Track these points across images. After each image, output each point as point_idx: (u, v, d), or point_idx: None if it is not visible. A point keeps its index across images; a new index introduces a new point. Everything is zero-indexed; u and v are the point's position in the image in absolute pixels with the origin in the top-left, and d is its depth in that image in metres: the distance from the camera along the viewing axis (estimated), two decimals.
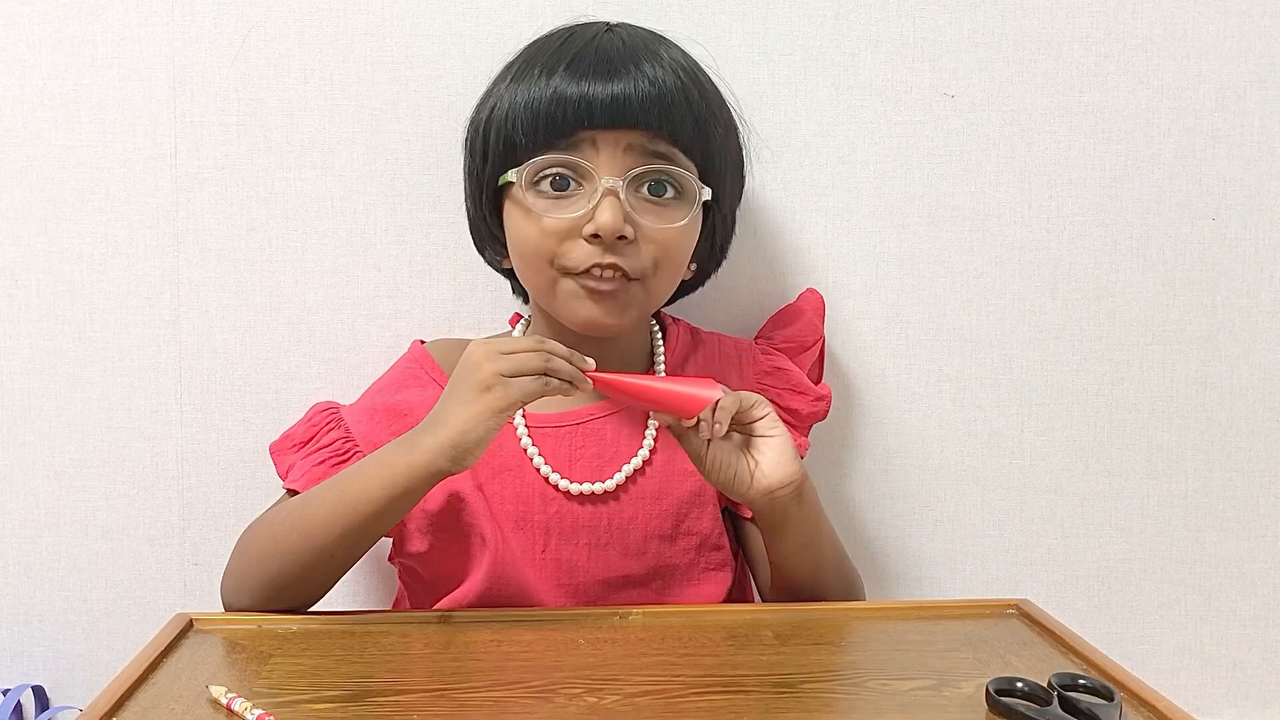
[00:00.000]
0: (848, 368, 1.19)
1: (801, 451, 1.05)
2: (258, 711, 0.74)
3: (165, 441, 1.17)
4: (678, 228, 0.96)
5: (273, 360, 1.17)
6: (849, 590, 1.02)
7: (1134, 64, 1.18)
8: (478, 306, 1.16)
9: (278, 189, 1.15)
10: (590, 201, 0.93)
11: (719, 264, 1.08)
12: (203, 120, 1.15)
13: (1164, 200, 1.19)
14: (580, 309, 0.96)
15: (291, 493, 1.01)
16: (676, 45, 1.01)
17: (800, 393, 1.07)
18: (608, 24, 1.01)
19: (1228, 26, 1.18)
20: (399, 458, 0.89)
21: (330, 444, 1.02)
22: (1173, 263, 1.20)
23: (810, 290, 1.13)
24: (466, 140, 1.03)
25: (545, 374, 0.87)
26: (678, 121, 0.95)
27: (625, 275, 0.95)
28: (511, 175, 0.96)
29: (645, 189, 0.95)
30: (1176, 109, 1.18)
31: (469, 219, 1.06)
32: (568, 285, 0.96)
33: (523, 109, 0.95)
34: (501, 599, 0.99)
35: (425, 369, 1.05)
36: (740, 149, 1.04)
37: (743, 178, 1.06)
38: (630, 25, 1.02)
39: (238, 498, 1.17)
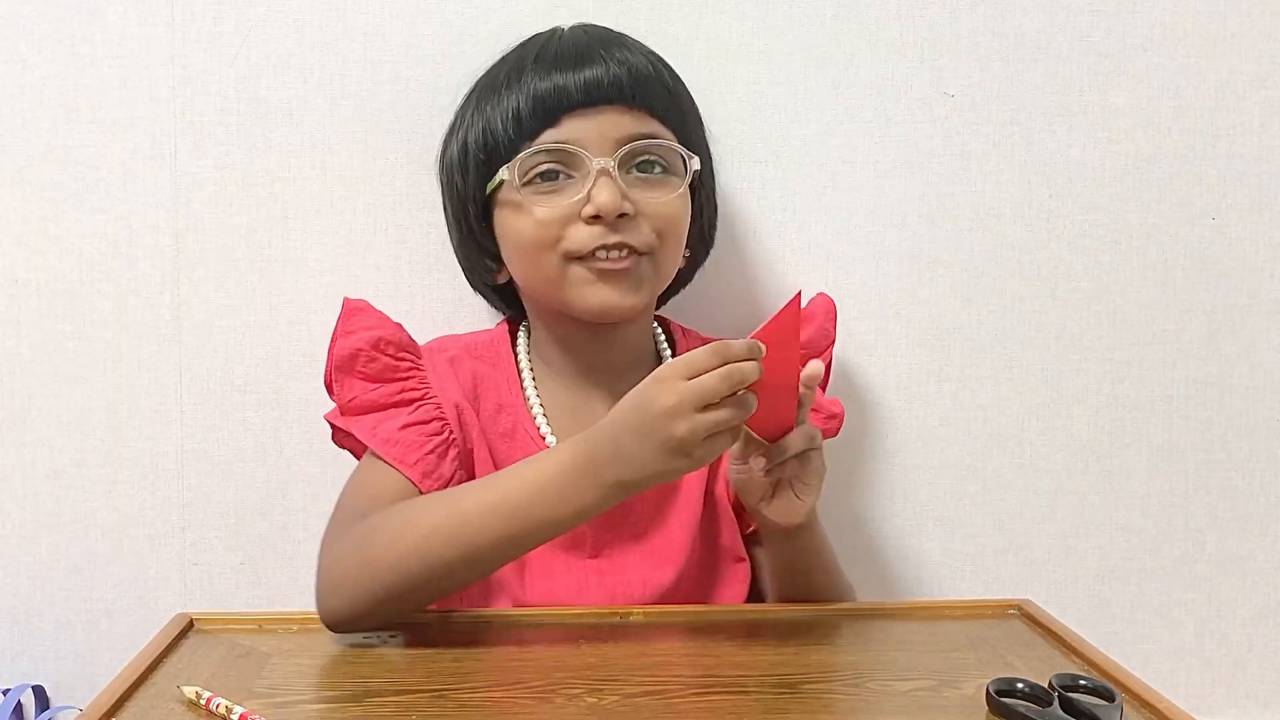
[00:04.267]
0: (848, 368, 1.19)
1: None
2: (240, 709, 0.74)
3: (165, 441, 1.17)
4: (674, 199, 0.97)
5: (273, 360, 1.17)
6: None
7: (1134, 64, 1.18)
8: (478, 306, 1.16)
9: (278, 189, 1.15)
10: (585, 186, 0.94)
11: (708, 249, 1.08)
12: (203, 120, 1.15)
13: (1164, 200, 1.19)
14: (593, 294, 0.96)
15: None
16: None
17: (814, 410, 1.05)
18: (579, 24, 1.03)
19: (1228, 26, 1.18)
20: (590, 483, 0.84)
21: (412, 402, 1.00)
22: (1173, 263, 1.20)
23: (821, 294, 1.12)
24: (442, 171, 1.04)
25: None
26: (654, 96, 0.97)
27: (633, 250, 0.95)
28: (503, 173, 0.96)
29: (635, 168, 0.96)
30: (1176, 109, 1.18)
31: (456, 244, 1.06)
32: (576, 271, 0.96)
33: (499, 115, 0.96)
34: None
35: (504, 351, 1.05)
36: (700, 122, 1.05)
37: (710, 159, 1.06)
38: (597, 26, 1.04)
39: (238, 498, 1.17)
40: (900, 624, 0.95)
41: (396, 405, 0.99)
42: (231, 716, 0.74)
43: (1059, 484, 1.22)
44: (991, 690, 0.77)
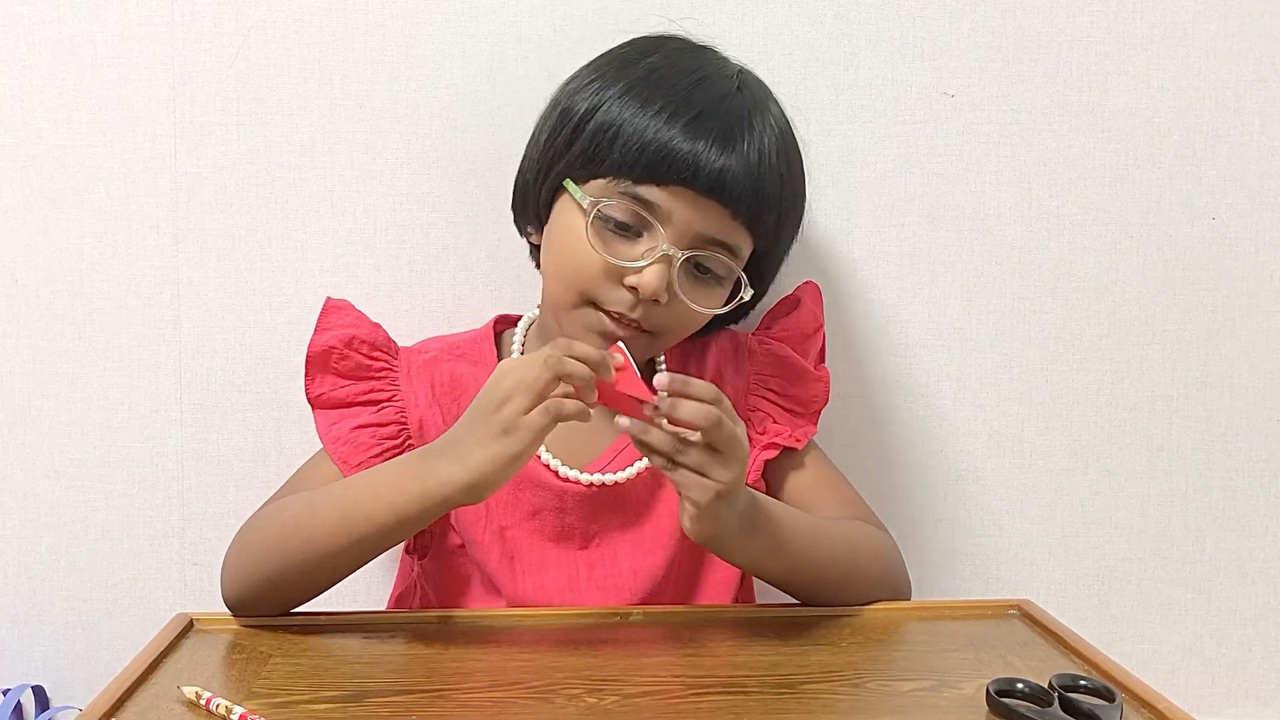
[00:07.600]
0: (848, 368, 1.19)
1: (804, 439, 1.05)
2: (240, 709, 0.74)
3: (165, 441, 1.17)
4: (705, 310, 0.97)
5: (273, 360, 1.17)
6: (866, 589, 0.99)
7: (1134, 64, 1.18)
8: (478, 306, 1.16)
9: (278, 189, 1.15)
10: (644, 255, 0.93)
11: (741, 319, 1.09)
12: (203, 120, 1.15)
13: (1164, 200, 1.19)
14: (587, 340, 0.94)
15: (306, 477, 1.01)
16: (783, 112, 1.01)
17: (799, 379, 1.07)
18: (739, 70, 1.00)
19: (1228, 26, 1.18)
20: (412, 484, 0.86)
21: (378, 403, 1.01)
22: (1173, 263, 1.20)
23: (808, 281, 1.12)
24: (556, 109, 0.99)
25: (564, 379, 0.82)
26: (760, 216, 0.96)
27: (641, 329, 0.96)
28: (581, 199, 0.94)
29: (695, 264, 0.95)
30: (1176, 109, 1.18)
31: (518, 182, 1.03)
32: (587, 315, 0.96)
33: (632, 138, 0.93)
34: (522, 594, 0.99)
35: (487, 350, 1.04)
36: (799, 228, 1.04)
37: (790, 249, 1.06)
38: (752, 77, 1.01)
39: (238, 498, 1.17)
40: (900, 624, 0.95)
41: (362, 404, 1.01)
42: (231, 716, 0.74)
43: (1059, 484, 1.22)
44: (991, 690, 0.77)
